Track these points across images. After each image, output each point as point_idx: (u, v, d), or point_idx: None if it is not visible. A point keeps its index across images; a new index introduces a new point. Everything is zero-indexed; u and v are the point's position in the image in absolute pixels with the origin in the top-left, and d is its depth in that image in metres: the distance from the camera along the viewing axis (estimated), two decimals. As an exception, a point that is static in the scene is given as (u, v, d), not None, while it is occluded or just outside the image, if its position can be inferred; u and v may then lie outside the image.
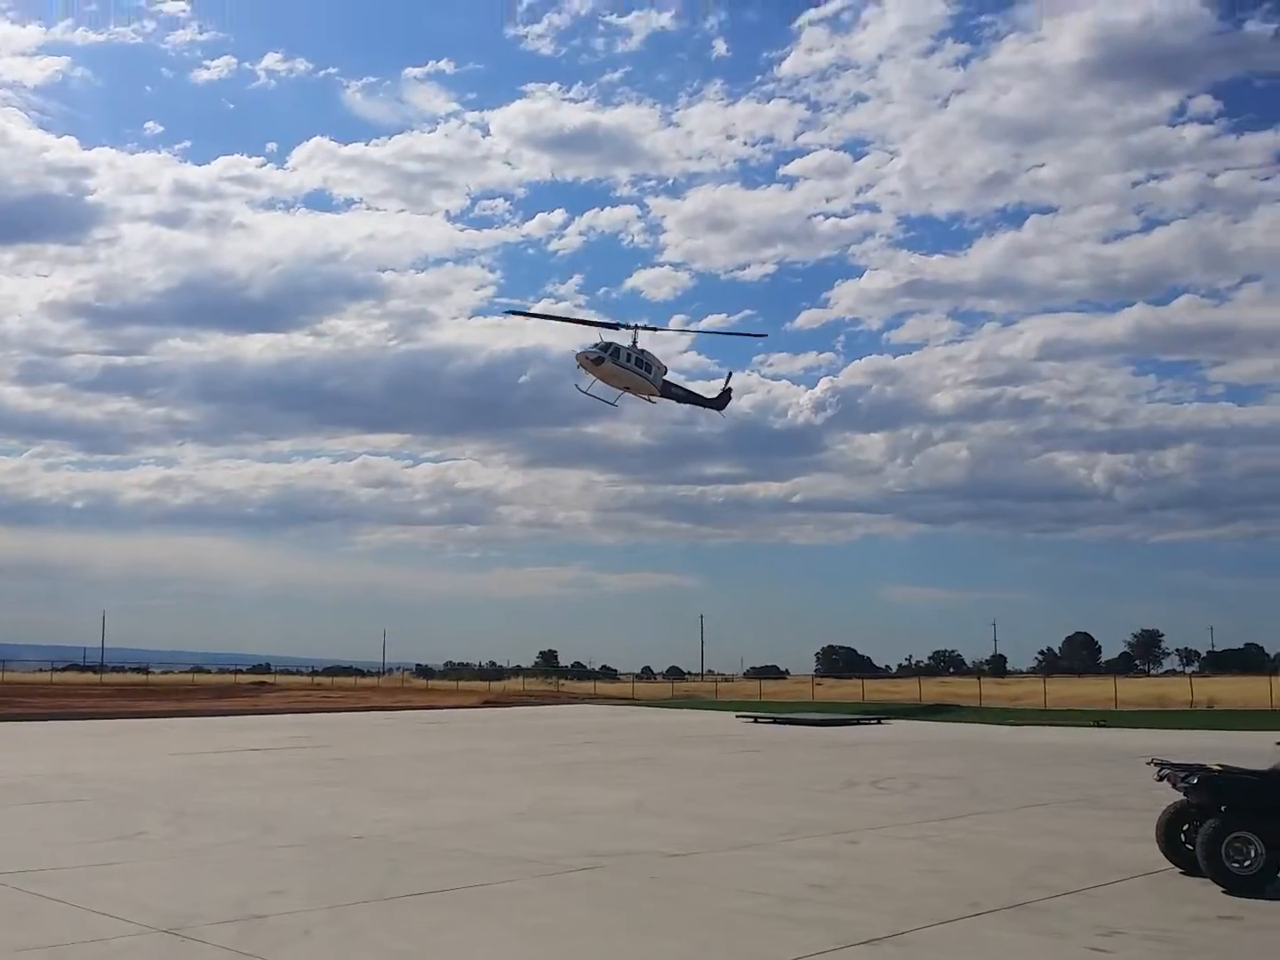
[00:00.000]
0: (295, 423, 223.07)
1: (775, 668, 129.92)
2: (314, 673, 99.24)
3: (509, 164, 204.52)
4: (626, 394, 50.80)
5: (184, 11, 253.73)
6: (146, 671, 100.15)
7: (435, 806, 18.28)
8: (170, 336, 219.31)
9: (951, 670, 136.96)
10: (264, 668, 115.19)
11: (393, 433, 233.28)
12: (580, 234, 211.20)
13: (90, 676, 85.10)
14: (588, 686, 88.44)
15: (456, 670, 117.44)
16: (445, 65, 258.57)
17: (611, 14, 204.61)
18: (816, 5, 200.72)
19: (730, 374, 58.58)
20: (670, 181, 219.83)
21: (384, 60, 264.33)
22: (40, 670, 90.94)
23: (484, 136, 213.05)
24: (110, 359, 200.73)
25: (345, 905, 10.66)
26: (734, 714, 47.11)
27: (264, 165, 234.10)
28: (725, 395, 56.37)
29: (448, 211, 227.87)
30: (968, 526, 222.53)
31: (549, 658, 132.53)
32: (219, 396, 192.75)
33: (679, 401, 54.34)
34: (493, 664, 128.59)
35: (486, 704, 62.64)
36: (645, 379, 50.05)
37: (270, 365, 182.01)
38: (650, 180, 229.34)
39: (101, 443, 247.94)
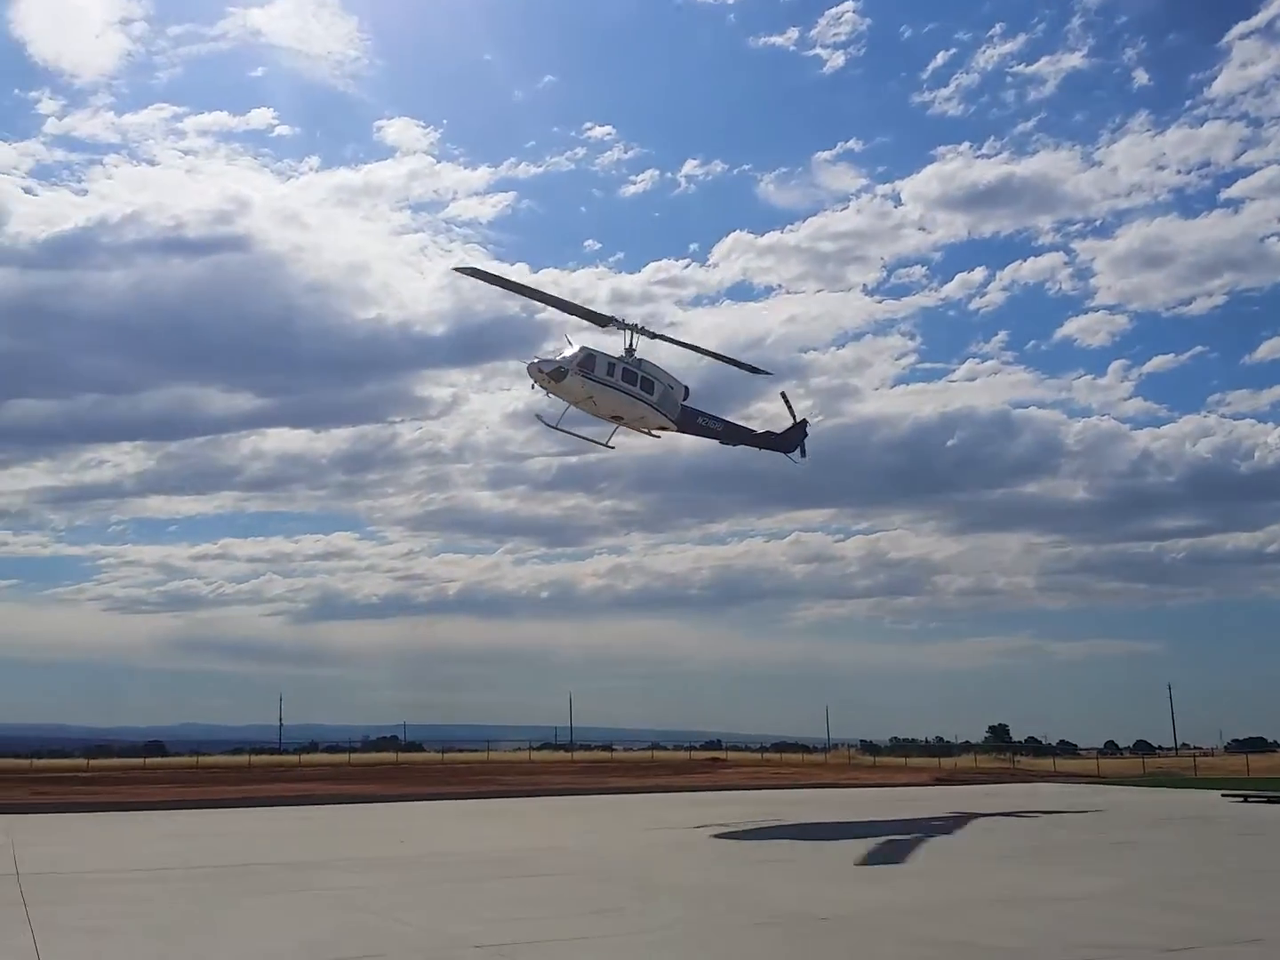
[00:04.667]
0: (729, 504, 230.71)
1: (1262, 739, 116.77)
2: (762, 749, 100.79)
3: (923, 229, 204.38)
4: (622, 426, 36.80)
5: (610, 134, 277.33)
6: (610, 749, 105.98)
7: (900, 888, 17.85)
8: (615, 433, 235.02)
9: None
10: (715, 744, 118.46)
11: (822, 507, 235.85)
12: (1003, 289, 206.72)
13: (562, 754, 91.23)
14: (1045, 763, 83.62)
15: (903, 746, 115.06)
16: (854, 144, 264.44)
17: (1020, 64, 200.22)
18: (1245, 18, 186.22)
19: (784, 393, 40.26)
20: (1098, 222, 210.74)
21: (794, 149, 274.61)
22: (519, 749, 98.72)
23: (896, 206, 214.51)
24: (564, 459, 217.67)
25: (819, 988, 10.61)
26: (1219, 792, 42.72)
27: (688, 265, 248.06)
28: (796, 430, 39.02)
29: (864, 285, 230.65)
30: None
31: (999, 732, 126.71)
32: (658, 485, 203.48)
33: (722, 440, 38.60)
34: (939, 739, 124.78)
35: (938, 781, 60.77)
36: (643, 403, 35.56)
37: (704, 451, 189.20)
38: (1075, 224, 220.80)
39: (560, 536, 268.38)
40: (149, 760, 78.16)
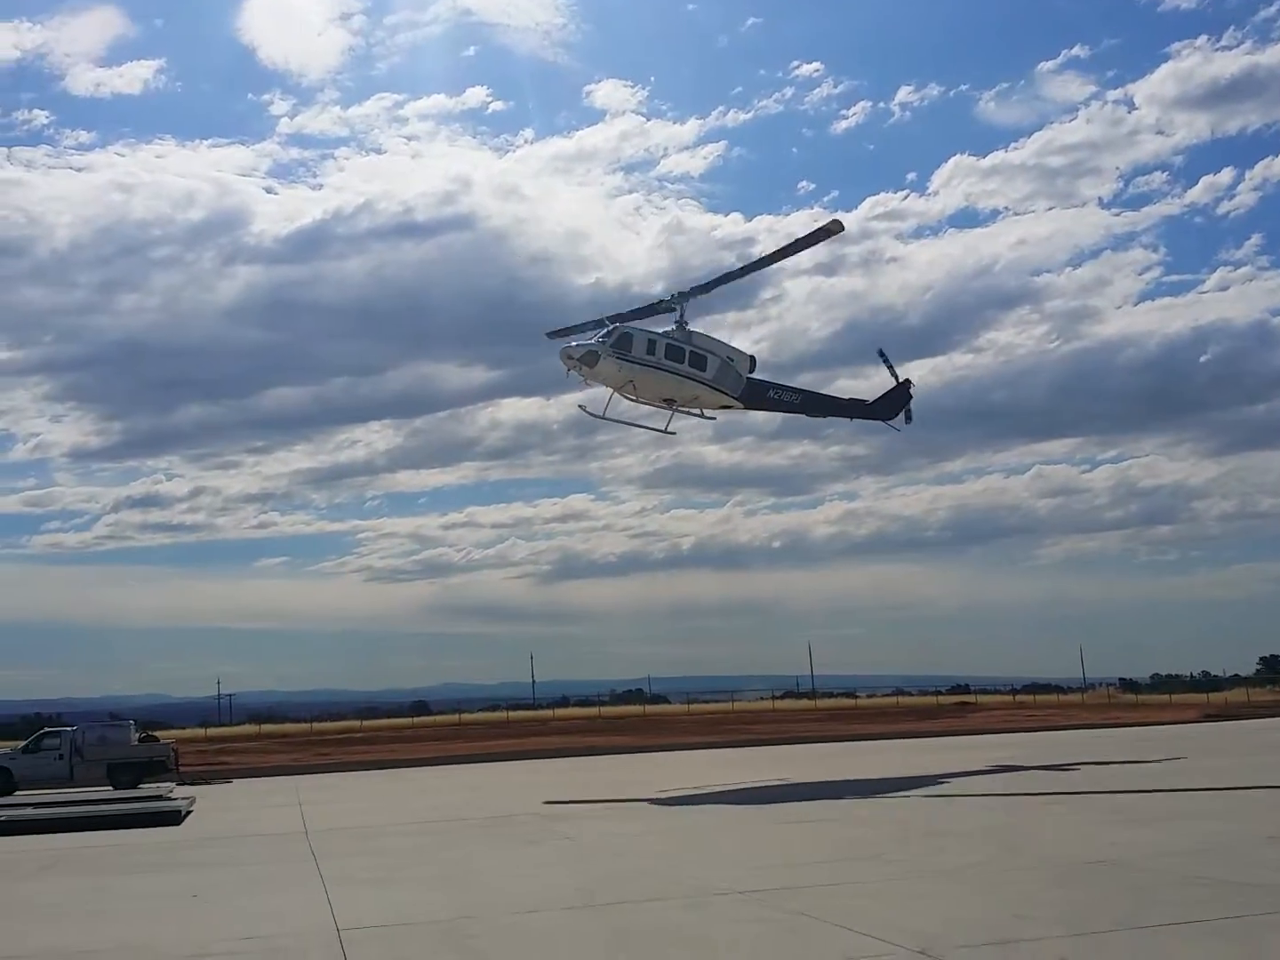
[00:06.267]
0: (962, 441, 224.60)
1: None
2: (1014, 691, 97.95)
3: (1161, 133, 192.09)
4: (677, 410, 31.90)
5: (818, 70, 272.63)
6: (854, 696, 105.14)
7: (1169, 829, 17.03)
8: (837, 378, 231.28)
9: None
10: (963, 688, 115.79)
11: (1064, 438, 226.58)
12: (1254, 189, 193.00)
13: (805, 703, 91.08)
14: (1329, 695, 78.19)
15: (1166, 683, 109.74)
16: (1079, 50, 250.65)
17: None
18: None
19: (881, 350, 36.19)
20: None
21: (1014, 62, 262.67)
22: (761, 699, 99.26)
23: (1129, 111, 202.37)
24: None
25: (1095, 933, 10.21)
26: None
27: (907, 196, 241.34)
28: (895, 394, 35.39)
29: (1099, 198, 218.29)
30: None
31: (1272, 664, 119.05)
32: (886, 427, 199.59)
33: (805, 413, 35.13)
34: (1206, 674, 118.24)
35: (1207, 718, 57.83)
36: (695, 381, 31.02)
37: (933, 388, 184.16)
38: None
39: (789, 485, 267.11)
40: (416, 719, 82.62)
